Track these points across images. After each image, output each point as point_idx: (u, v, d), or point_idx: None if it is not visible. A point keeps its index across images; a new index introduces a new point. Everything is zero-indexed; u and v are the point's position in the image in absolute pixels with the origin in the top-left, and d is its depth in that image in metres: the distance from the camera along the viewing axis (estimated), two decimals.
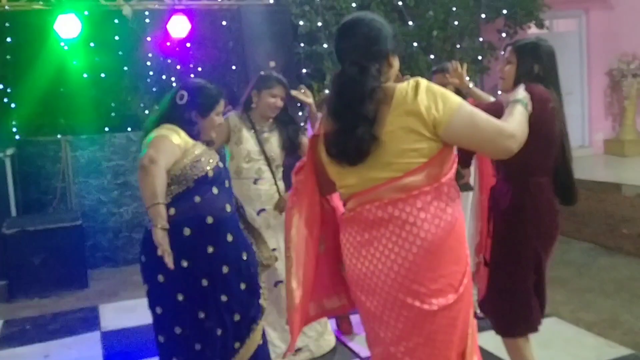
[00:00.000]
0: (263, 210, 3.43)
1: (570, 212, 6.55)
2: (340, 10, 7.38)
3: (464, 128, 1.87)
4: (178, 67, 8.18)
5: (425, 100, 1.87)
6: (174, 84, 8.29)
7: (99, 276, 5.72)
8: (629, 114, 8.82)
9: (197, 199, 2.50)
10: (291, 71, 6.56)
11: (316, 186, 2.12)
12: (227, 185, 2.67)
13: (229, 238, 2.57)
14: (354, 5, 7.41)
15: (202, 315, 2.53)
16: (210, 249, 2.51)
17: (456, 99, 1.92)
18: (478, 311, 3.27)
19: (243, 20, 6.57)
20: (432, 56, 7.70)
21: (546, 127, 2.58)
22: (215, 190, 2.56)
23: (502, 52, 2.80)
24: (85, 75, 7.63)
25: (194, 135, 2.59)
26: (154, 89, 8.37)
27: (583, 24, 9.13)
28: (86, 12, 6.44)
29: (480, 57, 7.98)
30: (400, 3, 7.57)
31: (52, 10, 6.06)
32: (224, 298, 2.56)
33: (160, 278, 2.47)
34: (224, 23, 7.35)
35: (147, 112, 8.22)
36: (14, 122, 6.79)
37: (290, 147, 3.48)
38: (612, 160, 8.52)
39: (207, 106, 2.62)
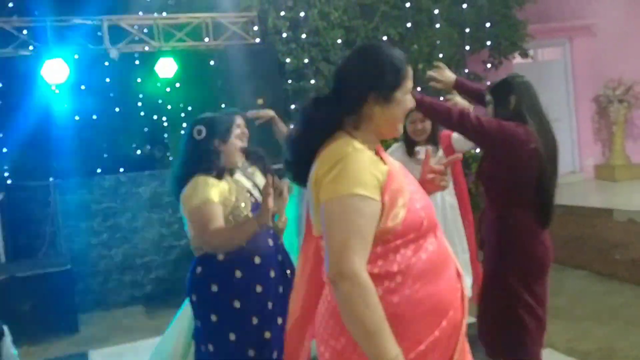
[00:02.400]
0: None
1: (563, 238, 6.54)
2: (326, 47, 7.49)
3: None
4: (168, 107, 8.26)
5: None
6: (165, 124, 8.36)
7: (90, 320, 5.64)
8: (617, 139, 8.87)
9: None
10: (279, 107, 6.61)
11: None
12: None
13: (272, 274, 2.63)
14: (339, 41, 7.52)
15: (251, 353, 2.56)
16: (259, 288, 2.58)
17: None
18: None
19: (230, 59, 6.65)
20: (418, 88, 7.77)
21: (522, 166, 2.66)
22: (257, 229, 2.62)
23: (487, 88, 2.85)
24: (76, 118, 7.69)
25: (221, 169, 2.62)
26: (145, 129, 8.43)
27: (567, 52, 9.25)
28: (76, 56, 6.52)
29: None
30: (385, 38, 7.68)
31: (40, 55, 6.13)
32: (267, 335, 2.60)
33: (214, 318, 2.52)
34: (211, 63, 7.43)
35: (138, 152, 8.27)
36: (5, 167, 6.80)
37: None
38: (603, 186, 8.54)
39: (225, 130, 2.66)
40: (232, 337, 2.54)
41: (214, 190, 2.51)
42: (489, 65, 8.12)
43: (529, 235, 2.74)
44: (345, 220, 1.56)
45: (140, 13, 7.24)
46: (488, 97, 2.83)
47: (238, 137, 2.80)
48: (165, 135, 8.43)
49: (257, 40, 7.03)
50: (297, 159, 1.75)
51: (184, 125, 8.26)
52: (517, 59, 8.44)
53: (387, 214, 1.61)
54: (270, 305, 2.61)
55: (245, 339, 2.56)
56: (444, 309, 1.67)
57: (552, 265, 6.56)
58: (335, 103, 1.71)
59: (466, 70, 8.06)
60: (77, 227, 5.95)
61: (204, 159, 2.56)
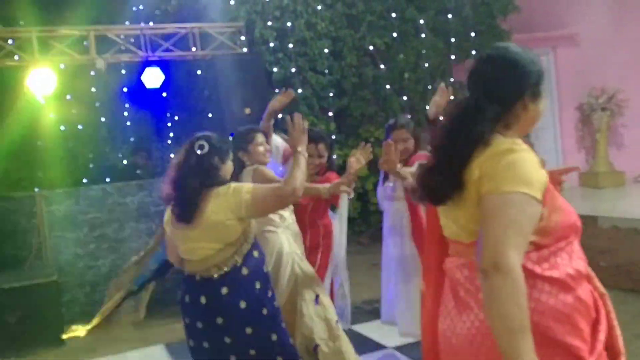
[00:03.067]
0: None
1: None
2: (313, 57, 7.55)
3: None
4: (155, 117, 8.25)
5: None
6: (152, 134, 8.35)
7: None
8: (601, 147, 9.00)
9: (256, 253, 2.65)
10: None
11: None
12: None
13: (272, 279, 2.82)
14: (326, 51, 7.58)
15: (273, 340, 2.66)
16: (269, 293, 2.69)
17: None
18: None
19: (218, 69, 6.67)
20: (405, 97, 7.85)
21: None
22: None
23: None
24: (62, 128, 7.65)
25: (221, 179, 2.67)
26: (132, 139, 8.41)
27: (551, 61, 9.38)
28: (62, 66, 6.50)
29: (452, 97, 8.13)
30: (371, 47, 7.75)
31: (26, 65, 6.11)
32: (274, 337, 2.66)
33: (248, 330, 2.57)
34: (198, 72, 7.45)
35: (125, 162, 8.24)
36: None
37: None
38: (587, 193, 8.65)
39: (226, 150, 2.71)
40: (274, 337, 2.63)
41: None
42: None
43: None
44: (507, 215, 1.57)
45: (127, 23, 7.25)
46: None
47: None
48: (152, 145, 8.42)
49: (245, 50, 7.06)
50: (448, 171, 1.72)
51: (171, 135, 8.26)
52: None
53: (547, 216, 1.66)
54: (277, 303, 2.75)
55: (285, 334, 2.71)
56: (589, 312, 1.75)
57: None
58: (486, 110, 1.71)
59: (452, 80, 8.14)
60: (64, 238, 5.91)
61: (209, 174, 2.58)
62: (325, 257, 3.74)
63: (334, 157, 7.50)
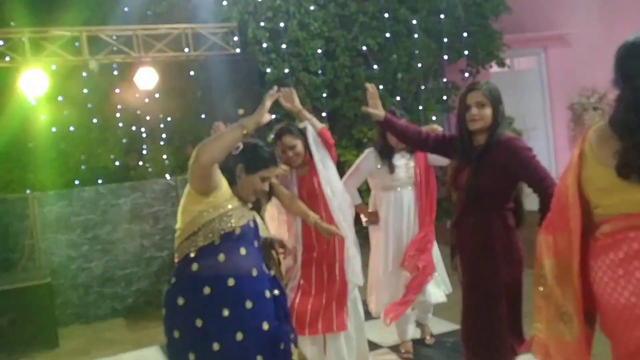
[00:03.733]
0: None
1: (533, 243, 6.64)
2: (307, 57, 7.55)
3: None
4: (147, 117, 8.22)
5: None
6: (144, 135, 8.32)
7: (70, 334, 5.56)
8: None
9: (222, 257, 2.40)
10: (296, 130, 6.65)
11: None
12: (256, 245, 2.54)
13: (248, 305, 2.41)
14: (319, 51, 7.58)
15: None
16: (225, 312, 2.38)
17: None
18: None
19: (210, 69, 6.65)
20: (398, 98, 7.87)
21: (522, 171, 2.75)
22: (242, 251, 2.44)
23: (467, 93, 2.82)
24: (54, 130, 7.61)
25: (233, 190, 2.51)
26: (124, 140, 8.38)
27: (542, 62, 9.43)
28: (53, 67, 6.47)
29: (445, 97, 8.17)
30: (364, 48, 7.76)
31: (17, 66, 6.08)
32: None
33: (176, 334, 2.41)
34: (191, 73, 7.43)
35: (117, 163, 8.21)
36: None
37: None
38: None
39: (254, 165, 2.51)
40: (192, 357, 2.36)
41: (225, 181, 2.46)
42: (466, 75, 8.25)
43: (515, 236, 2.83)
44: None
45: (119, 23, 7.22)
46: (484, 100, 2.76)
47: (264, 180, 2.58)
48: (144, 147, 8.39)
49: (237, 50, 7.04)
50: None
51: (164, 136, 8.23)
52: (494, 68, 8.58)
53: None
54: (240, 336, 2.38)
55: None
56: None
57: (526, 270, 6.65)
58: None
59: (444, 80, 8.18)
60: (56, 240, 5.88)
61: (225, 174, 2.47)
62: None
63: None
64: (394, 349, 4.22)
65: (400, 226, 3.91)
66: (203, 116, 7.12)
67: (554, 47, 9.29)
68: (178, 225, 2.46)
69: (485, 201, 2.76)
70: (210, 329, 2.35)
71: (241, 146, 2.48)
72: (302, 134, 3.50)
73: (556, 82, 9.31)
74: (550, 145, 9.40)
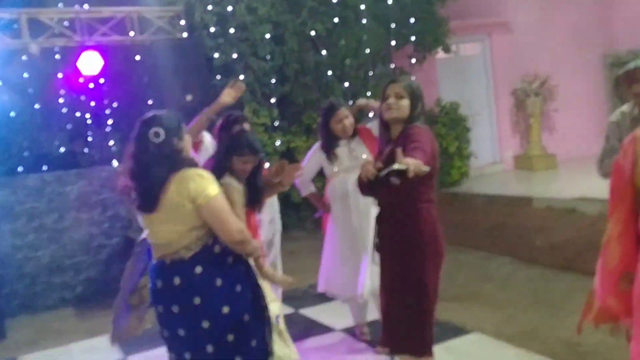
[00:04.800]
0: None
1: (486, 227, 6.87)
2: (255, 42, 7.49)
3: None
4: (92, 103, 8.01)
5: None
6: (89, 121, 8.11)
7: (18, 325, 5.42)
8: (534, 131, 9.36)
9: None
10: (208, 103, 6.54)
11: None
12: None
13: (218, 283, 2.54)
14: (267, 36, 7.53)
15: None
16: (249, 273, 2.65)
17: None
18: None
19: (157, 54, 6.54)
20: (346, 84, 7.92)
21: (435, 159, 2.78)
22: None
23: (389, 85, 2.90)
24: None
25: (187, 161, 2.55)
26: (68, 127, 8.15)
27: (487, 48, 9.65)
28: None
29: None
30: (313, 33, 7.76)
31: None
32: (246, 317, 2.55)
33: (225, 310, 2.50)
34: (137, 58, 7.26)
35: (61, 149, 7.98)
36: None
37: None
38: (522, 175, 8.99)
39: (179, 127, 2.55)
40: (247, 317, 2.55)
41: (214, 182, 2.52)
42: (413, 60, 8.37)
43: (438, 227, 2.87)
44: None
45: (61, 5, 6.98)
46: (403, 92, 2.82)
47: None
48: (90, 133, 8.18)
49: (184, 35, 6.93)
50: None
51: (110, 122, 8.04)
52: (440, 54, 8.74)
53: None
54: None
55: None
56: None
57: (478, 253, 6.83)
58: None
59: (392, 65, 8.27)
60: (0, 229, 5.69)
61: (173, 160, 2.46)
62: None
63: (278, 143, 7.56)
64: (349, 331, 4.30)
65: (348, 211, 3.97)
66: (150, 102, 7.00)
67: (498, 34, 9.52)
68: (180, 228, 2.47)
69: (403, 194, 2.73)
70: (249, 292, 2.59)
71: (162, 131, 2.49)
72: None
73: (500, 68, 9.56)
74: (494, 130, 9.67)
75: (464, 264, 5.80)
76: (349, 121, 3.91)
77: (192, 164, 2.52)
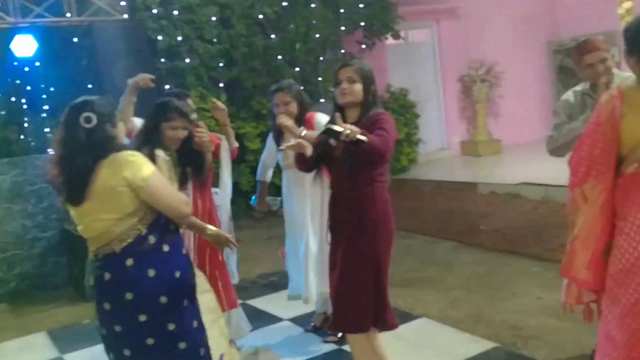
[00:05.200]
0: None
1: (433, 212, 6.93)
2: (200, 25, 7.28)
3: None
4: (28, 87, 7.65)
5: None
6: (25, 106, 7.76)
7: None
8: (480, 117, 9.50)
9: (172, 226, 2.47)
10: (152, 88, 6.33)
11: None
12: None
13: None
14: (213, 19, 7.33)
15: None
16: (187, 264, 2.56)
17: None
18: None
19: (96, 36, 6.27)
20: (297, 69, 7.81)
21: (393, 145, 2.80)
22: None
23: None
24: None
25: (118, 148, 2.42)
26: (2, 112, 7.78)
27: (435, 34, 9.71)
28: None
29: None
30: (261, 16, 7.59)
31: None
32: (150, 342, 2.39)
33: (163, 299, 2.38)
34: (75, 40, 6.95)
35: None
36: None
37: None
38: (468, 161, 9.12)
39: (112, 113, 2.45)
40: (186, 302, 2.45)
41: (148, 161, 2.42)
42: (363, 46, 8.32)
43: (390, 206, 2.89)
44: None
45: None
46: (355, 76, 2.81)
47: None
48: (25, 119, 7.82)
49: (125, 16, 6.66)
50: None
51: (46, 107, 7.70)
52: (390, 40, 8.72)
53: None
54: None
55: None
56: None
57: (425, 238, 6.86)
58: None
59: (342, 51, 8.20)
60: None
61: (104, 147, 2.33)
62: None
63: None
64: (296, 321, 4.24)
65: (302, 203, 3.89)
66: (90, 86, 6.72)
67: (446, 20, 9.58)
68: (112, 216, 2.33)
69: (359, 175, 2.78)
70: (188, 281, 2.53)
71: (93, 116, 2.35)
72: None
73: (447, 54, 9.63)
74: (442, 116, 9.76)
75: (411, 249, 5.82)
76: (285, 108, 3.67)
77: (123, 149, 2.39)
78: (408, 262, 5.40)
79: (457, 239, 5.98)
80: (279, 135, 3.79)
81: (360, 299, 2.85)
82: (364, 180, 2.79)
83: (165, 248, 2.42)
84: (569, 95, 3.14)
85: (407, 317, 4.12)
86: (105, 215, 2.32)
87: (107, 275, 2.34)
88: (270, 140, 4.01)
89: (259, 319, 4.36)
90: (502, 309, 4.15)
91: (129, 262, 2.33)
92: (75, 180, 2.32)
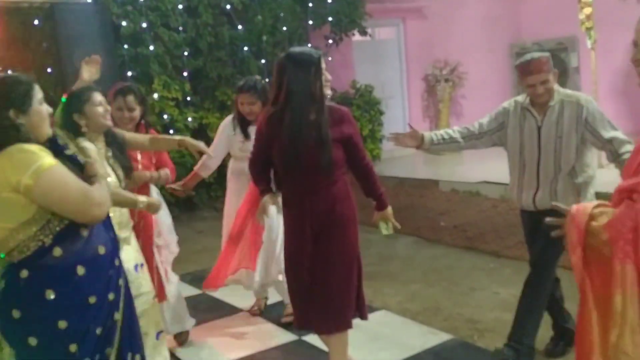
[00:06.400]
0: None
1: (395, 208, 6.94)
2: (166, 12, 7.18)
3: None
4: None
5: None
6: None
7: None
8: (443, 116, 9.63)
9: (85, 232, 2.02)
10: (114, 74, 6.22)
11: None
12: None
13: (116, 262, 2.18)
14: (180, 6, 7.24)
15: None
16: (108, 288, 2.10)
17: None
18: None
19: (58, 19, 6.12)
20: (263, 61, 7.77)
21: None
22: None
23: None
24: None
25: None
26: None
27: (401, 32, 9.80)
28: None
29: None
30: (228, 7, 7.53)
31: None
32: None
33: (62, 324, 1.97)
34: (35, 22, 6.76)
35: None
36: None
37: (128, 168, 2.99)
38: (429, 159, 9.19)
39: (22, 97, 1.99)
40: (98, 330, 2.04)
41: (46, 154, 1.94)
42: (330, 41, 8.33)
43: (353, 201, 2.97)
44: None
45: None
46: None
47: (101, 115, 2.67)
48: None
49: (89, 0, 6.51)
50: None
51: None
52: (357, 37, 8.76)
53: None
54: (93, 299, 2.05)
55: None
56: None
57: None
58: None
59: (309, 45, 8.19)
60: None
61: (3, 136, 1.93)
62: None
63: (189, 119, 7.31)
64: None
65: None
66: (49, 70, 6.55)
67: (412, 19, 9.67)
68: (6, 225, 1.94)
69: (333, 172, 2.82)
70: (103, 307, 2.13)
71: None
72: (144, 101, 3.51)
73: (413, 53, 9.73)
74: (405, 113, 9.86)
75: (371, 243, 5.85)
76: (249, 108, 3.75)
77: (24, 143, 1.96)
78: (369, 256, 5.43)
79: (417, 234, 6.06)
80: (245, 123, 3.82)
81: (350, 293, 2.88)
82: (337, 175, 2.82)
83: (80, 269, 1.98)
84: (510, 103, 3.22)
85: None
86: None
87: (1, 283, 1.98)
88: (224, 126, 3.95)
89: (217, 309, 4.35)
90: (459, 303, 4.23)
91: (24, 274, 1.94)
92: None
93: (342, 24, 8.29)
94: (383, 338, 3.75)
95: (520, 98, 3.20)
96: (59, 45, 6.28)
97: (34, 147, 1.94)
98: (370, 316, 4.07)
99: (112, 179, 2.66)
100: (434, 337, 3.70)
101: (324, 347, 3.13)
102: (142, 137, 3.20)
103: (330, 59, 8.37)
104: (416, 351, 3.52)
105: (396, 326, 3.96)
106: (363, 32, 8.58)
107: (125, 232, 2.78)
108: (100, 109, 2.77)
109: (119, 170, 2.76)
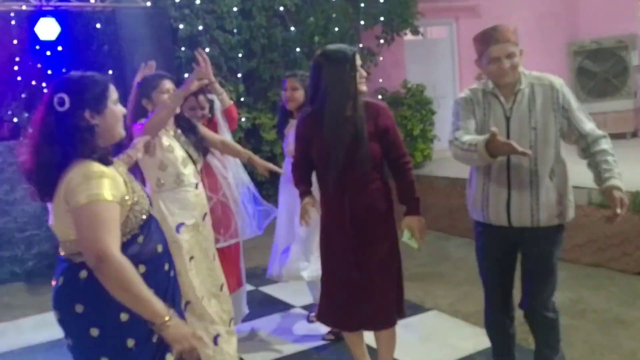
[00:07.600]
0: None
1: (447, 209, 6.93)
2: (221, 15, 7.33)
3: None
4: (49, 72, 7.74)
5: None
6: (45, 90, 7.84)
7: None
8: None
9: (141, 238, 2.01)
10: (172, 75, 6.40)
11: None
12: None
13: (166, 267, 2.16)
14: (235, 9, 7.38)
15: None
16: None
17: None
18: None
19: (118, 23, 6.34)
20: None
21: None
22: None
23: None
24: None
25: (98, 147, 1.94)
26: (23, 95, 7.87)
27: (454, 31, 9.68)
28: None
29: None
30: (281, 9, 7.63)
31: None
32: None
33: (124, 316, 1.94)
34: (98, 26, 7.04)
35: (15, 120, 7.71)
36: None
37: (203, 148, 3.20)
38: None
39: (98, 97, 1.95)
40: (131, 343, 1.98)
41: (107, 183, 1.87)
42: (382, 41, 8.33)
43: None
44: None
45: None
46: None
47: (116, 102, 2.29)
48: None
49: (148, 3, 6.73)
50: None
51: None
52: (408, 36, 8.72)
53: None
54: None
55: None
56: None
57: (438, 234, 6.88)
58: None
59: (360, 45, 8.21)
60: None
61: (75, 139, 1.89)
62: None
63: (242, 119, 7.44)
64: (308, 308, 4.30)
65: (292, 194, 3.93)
66: (110, 72, 6.80)
67: (465, 18, 9.54)
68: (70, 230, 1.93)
69: (372, 171, 2.82)
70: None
71: (66, 98, 1.91)
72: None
73: (466, 52, 9.58)
74: None
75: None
76: (291, 93, 3.75)
77: (104, 153, 1.96)
78: (419, 257, 5.42)
79: (469, 235, 5.98)
80: (285, 120, 3.90)
81: (393, 290, 2.88)
82: (375, 173, 2.79)
83: (141, 267, 1.97)
84: (467, 93, 2.69)
85: (417, 309, 4.17)
86: (64, 225, 1.93)
87: (60, 280, 1.99)
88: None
89: (271, 305, 4.42)
90: None
91: (83, 274, 1.93)
92: (44, 173, 1.92)
93: (394, 24, 8.27)
94: (434, 339, 3.74)
95: (478, 85, 2.68)
96: (120, 47, 6.51)
97: (110, 173, 1.91)
98: (421, 317, 4.12)
99: (183, 155, 2.95)
100: (486, 339, 3.65)
101: (373, 344, 3.12)
102: (213, 136, 3.36)
103: (381, 58, 8.37)
104: (468, 352, 3.50)
105: (448, 327, 3.94)
106: (415, 32, 8.53)
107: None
108: (166, 97, 2.94)
109: (191, 149, 3.02)
